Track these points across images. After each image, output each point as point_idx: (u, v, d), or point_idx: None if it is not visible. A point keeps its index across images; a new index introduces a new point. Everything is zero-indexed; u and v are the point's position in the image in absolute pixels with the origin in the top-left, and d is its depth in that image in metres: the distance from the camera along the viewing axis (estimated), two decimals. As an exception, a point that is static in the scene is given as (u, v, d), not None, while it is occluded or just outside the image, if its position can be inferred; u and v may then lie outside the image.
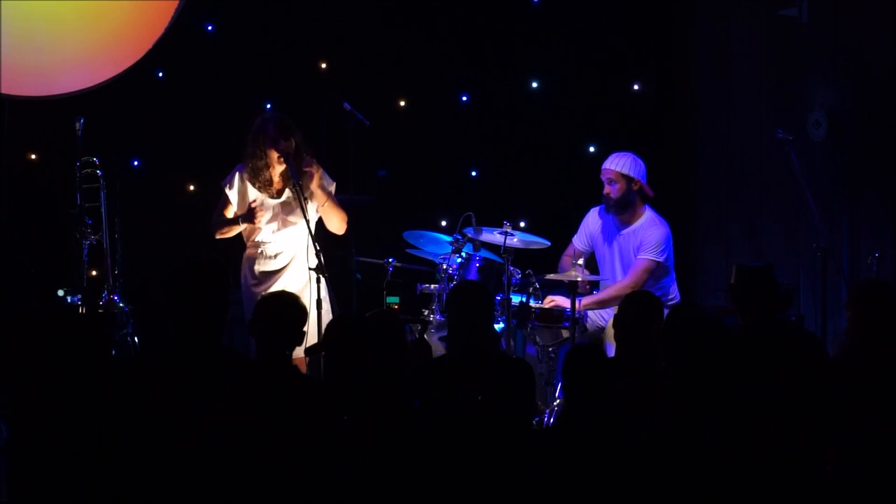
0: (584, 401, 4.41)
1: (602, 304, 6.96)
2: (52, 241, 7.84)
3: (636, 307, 5.40)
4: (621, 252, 7.09)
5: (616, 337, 5.49)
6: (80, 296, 7.12)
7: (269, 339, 4.50)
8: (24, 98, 7.39)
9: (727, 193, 8.65)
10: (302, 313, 4.64)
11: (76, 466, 3.87)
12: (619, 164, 7.03)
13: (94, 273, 7.53)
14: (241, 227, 6.57)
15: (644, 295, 5.61)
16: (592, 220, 7.26)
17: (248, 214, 6.53)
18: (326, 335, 4.76)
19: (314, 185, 6.52)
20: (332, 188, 6.66)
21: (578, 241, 7.29)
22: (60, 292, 7.12)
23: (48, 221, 7.96)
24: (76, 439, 3.88)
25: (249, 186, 6.59)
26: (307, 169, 6.48)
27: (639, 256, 6.96)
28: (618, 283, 6.96)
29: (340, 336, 4.68)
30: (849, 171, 7.83)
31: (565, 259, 7.24)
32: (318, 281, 6.34)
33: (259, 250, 6.58)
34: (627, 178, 7.01)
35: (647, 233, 6.99)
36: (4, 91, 7.14)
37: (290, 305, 4.64)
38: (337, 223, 6.59)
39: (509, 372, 5.07)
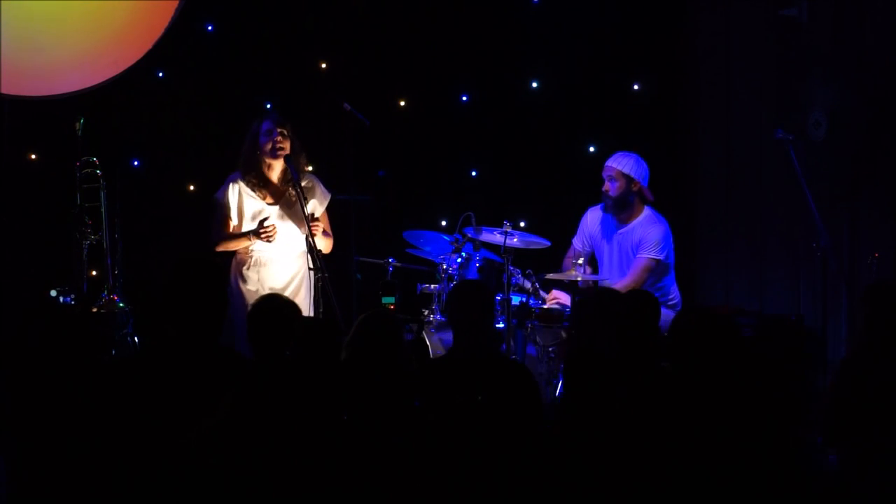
0: (584, 399, 4.41)
1: None
2: (52, 241, 7.84)
3: (632, 306, 5.39)
4: (620, 250, 7.10)
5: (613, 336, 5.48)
6: (72, 296, 7.12)
7: (266, 343, 4.51)
8: (24, 98, 7.39)
9: (727, 193, 8.64)
10: (294, 311, 4.65)
11: (75, 467, 3.87)
12: (621, 162, 7.04)
13: (94, 273, 7.53)
14: (250, 243, 6.54)
15: (640, 294, 5.61)
16: (591, 220, 7.26)
17: (258, 230, 6.49)
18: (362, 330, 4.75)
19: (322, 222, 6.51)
20: (327, 200, 6.65)
21: (578, 242, 7.29)
22: (53, 292, 7.12)
23: (48, 221, 7.96)
24: (74, 439, 3.87)
25: (244, 195, 6.55)
26: (313, 225, 6.43)
27: (638, 255, 6.96)
28: (618, 282, 6.96)
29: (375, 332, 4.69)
30: (849, 171, 7.83)
31: (567, 261, 7.23)
32: (318, 282, 6.34)
33: (254, 256, 6.56)
34: (628, 178, 7.02)
35: (647, 231, 6.99)
36: (4, 91, 7.15)
37: (281, 306, 4.65)
38: (324, 245, 6.55)
39: (505, 376, 5.07)
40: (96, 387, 4.04)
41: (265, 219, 6.49)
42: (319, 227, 6.45)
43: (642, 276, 6.92)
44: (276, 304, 4.69)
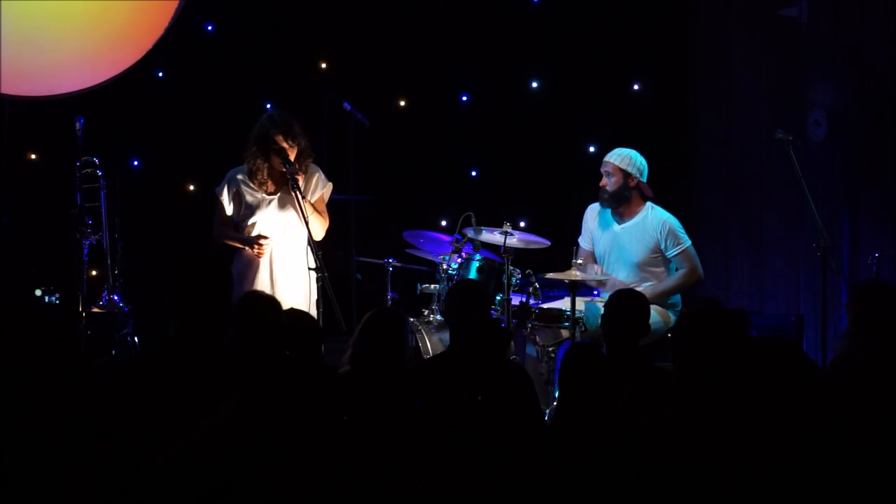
0: (580, 399, 4.40)
1: (665, 296, 7.01)
2: (52, 241, 7.84)
3: (621, 305, 5.40)
4: (620, 246, 7.11)
5: (604, 336, 5.49)
6: (57, 295, 7.12)
7: (254, 340, 4.52)
8: (24, 98, 7.39)
9: (727, 193, 8.64)
10: (278, 309, 4.67)
11: (73, 468, 3.86)
12: (619, 158, 7.08)
13: (94, 273, 7.53)
14: (243, 248, 6.57)
15: (629, 293, 5.61)
16: (591, 217, 7.28)
17: (252, 241, 6.52)
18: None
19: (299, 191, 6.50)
20: (328, 191, 6.64)
21: (584, 242, 7.30)
22: (38, 292, 7.12)
23: (48, 221, 7.96)
24: (65, 440, 3.86)
25: (244, 188, 6.57)
26: (297, 176, 6.44)
27: (674, 255, 7.02)
28: (678, 273, 7.02)
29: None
30: (849, 171, 7.83)
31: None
32: (318, 282, 6.34)
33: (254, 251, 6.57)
34: (625, 174, 7.05)
35: (665, 227, 7.03)
36: (4, 91, 7.14)
37: (266, 303, 4.67)
38: (317, 228, 6.55)
39: (505, 375, 5.07)
40: (86, 386, 4.02)
41: (262, 236, 6.51)
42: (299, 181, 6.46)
43: (693, 262, 7.04)
44: (259, 300, 4.72)
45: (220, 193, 6.61)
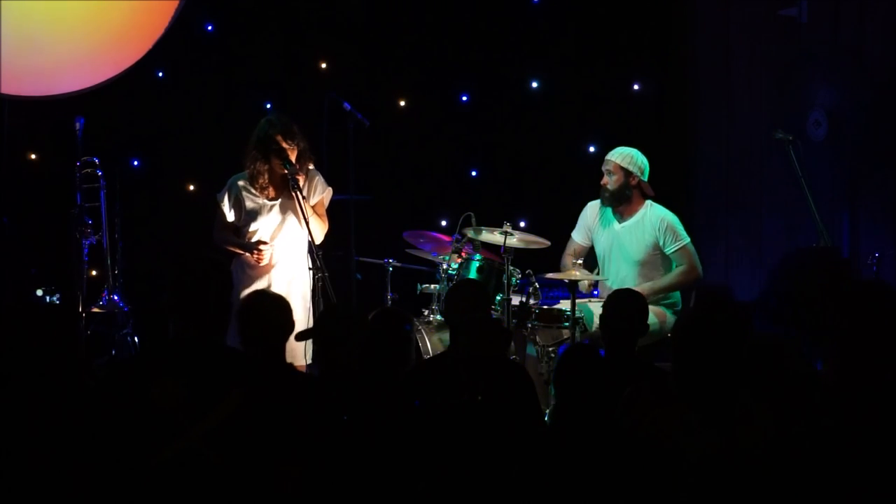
0: (578, 400, 4.40)
1: (662, 292, 7.00)
2: (52, 241, 7.84)
3: (619, 305, 5.40)
4: (621, 245, 7.11)
5: (602, 336, 5.49)
6: (58, 295, 7.13)
7: (257, 340, 4.53)
8: (24, 98, 7.39)
9: (727, 193, 8.64)
10: (286, 309, 4.68)
11: (73, 467, 3.87)
12: (620, 157, 7.08)
13: (94, 273, 7.53)
14: (243, 253, 6.58)
15: (627, 293, 5.61)
16: (591, 214, 7.27)
17: (251, 247, 6.52)
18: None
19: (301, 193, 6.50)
20: (327, 195, 6.64)
21: (578, 236, 7.29)
22: (39, 291, 7.13)
23: (48, 221, 7.96)
24: (65, 440, 3.86)
25: (245, 193, 6.57)
26: (298, 177, 6.46)
27: (673, 251, 7.00)
28: (676, 271, 7.00)
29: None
30: (849, 171, 7.83)
31: (567, 258, 7.24)
32: (318, 282, 6.34)
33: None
34: (626, 172, 7.05)
35: (664, 225, 7.02)
36: (4, 91, 7.15)
37: (273, 303, 4.68)
38: (317, 231, 6.55)
39: (505, 375, 5.08)
40: (86, 386, 4.02)
41: (262, 242, 6.52)
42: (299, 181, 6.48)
43: (692, 259, 7.02)
44: (266, 300, 4.73)
45: (221, 199, 6.61)
